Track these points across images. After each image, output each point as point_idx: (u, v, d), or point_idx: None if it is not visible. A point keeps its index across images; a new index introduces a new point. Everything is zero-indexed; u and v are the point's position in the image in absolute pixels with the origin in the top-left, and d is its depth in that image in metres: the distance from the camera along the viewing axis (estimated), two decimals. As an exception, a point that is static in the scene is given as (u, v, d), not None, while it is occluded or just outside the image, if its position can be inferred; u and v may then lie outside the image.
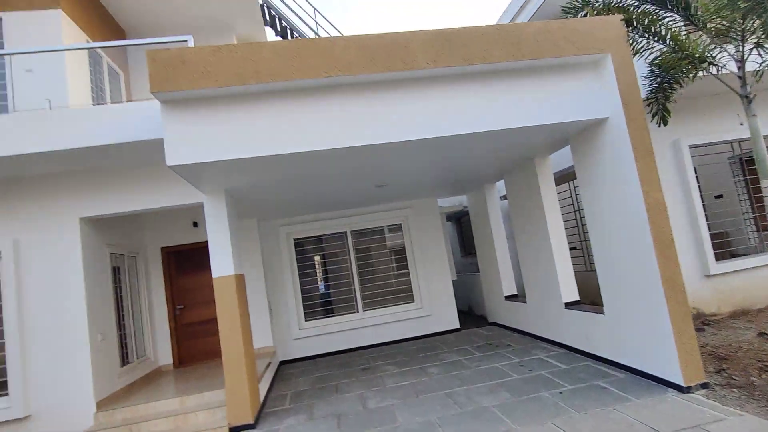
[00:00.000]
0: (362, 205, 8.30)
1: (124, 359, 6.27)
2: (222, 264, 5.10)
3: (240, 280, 5.33)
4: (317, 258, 8.64)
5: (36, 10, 6.20)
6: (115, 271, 6.42)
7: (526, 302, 7.20)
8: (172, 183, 5.53)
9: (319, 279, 8.57)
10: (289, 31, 10.05)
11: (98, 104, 6.73)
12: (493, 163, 6.45)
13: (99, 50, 7.04)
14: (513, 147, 5.51)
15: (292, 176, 5.16)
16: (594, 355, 5.51)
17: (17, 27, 6.11)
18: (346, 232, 8.56)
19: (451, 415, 4.46)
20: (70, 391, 5.18)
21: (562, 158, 7.10)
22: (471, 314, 10.28)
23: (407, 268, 8.69)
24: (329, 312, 8.41)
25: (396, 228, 8.82)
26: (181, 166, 4.08)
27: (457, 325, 8.57)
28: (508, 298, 8.02)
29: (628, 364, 4.87)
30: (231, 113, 4.13)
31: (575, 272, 6.37)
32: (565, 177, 8.10)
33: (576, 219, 8.81)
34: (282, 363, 7.93)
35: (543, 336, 6.76)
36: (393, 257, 8.80)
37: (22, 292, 5.24)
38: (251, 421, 4.93)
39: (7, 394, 5.12)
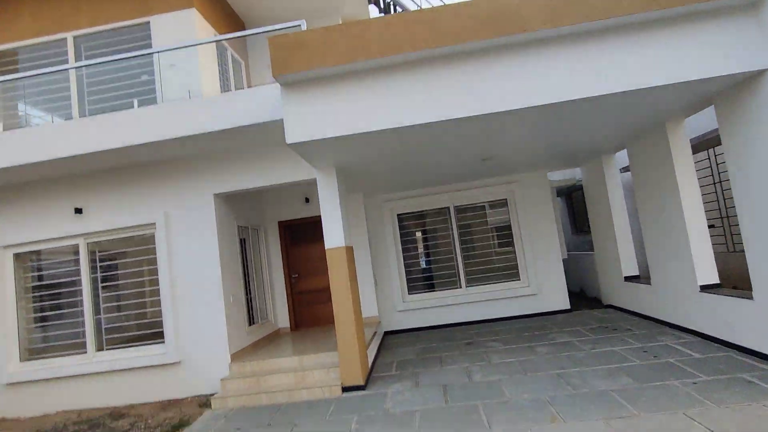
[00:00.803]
0: (466, 179, 8.14)
1: (251, 320, 7.04)
2: (334, 236, 5.40)
3: (350, 251, 5.60)
4: (420, 233, 8.73)
5: (174, 11, 7.00)
6: (242, 243, 7.16)
7: (650, 284, 6.52)
8: (289, 162, 5.96)
9: (421, 254, 8.67)
10: (392, 7, 10.06)
11: (225, 91, 7.45)
12: (615, 131, 5.85)
13: (224, 42, 7.76)
14: (642, 111, 4.93)
15: (399, 150, 5.23)
16: (736, 345, 4.83)
17: (161, 28, 6.97)
18: (449, 208, 8.50)
19: (563, 395, 4.27)
20: (210, 344, 5.97)
21: (698, 122, 6.21)
22: (582, 295, 9.62)
23: (512, 245, 8.38)
24: (432, 287, 8.50)
25: (501, 203, 8.52)
26: (298, 143, 4.37)
27: (567, 306, 8.11)
28: (628, 279, 7.33)
29: (784, 358, 4.19)
30: (343, 91, 4.29)
31: (714, 253, 5.58)
32: (703, 144, 7.06)
33: (716, 192, 7.66)
34: (386, 333, 8.25)
35: (670, 322, 6.09)
36: (497, 233, 8.55)
37: (172, 256, 6.12)
38: (362, 383, 5.24)
39: (163, 342, 6.08)
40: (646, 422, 3.51)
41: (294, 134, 4.29)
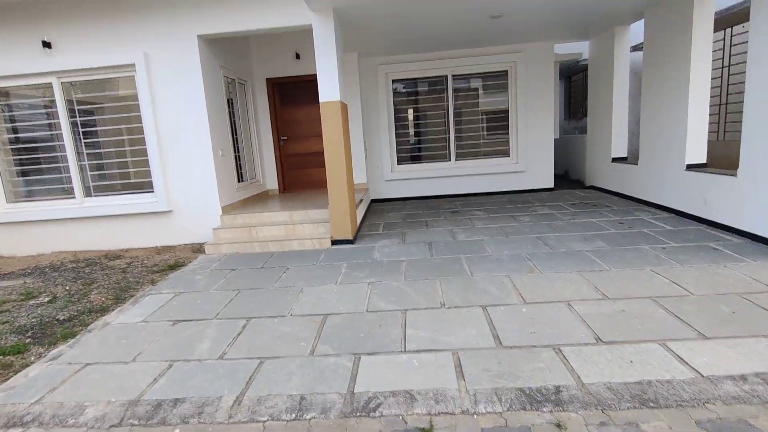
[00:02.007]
0: (468, 45, 7.61)
1: (240, 178, 7.01)
2: (329, 88, 5.13)
3: (344, 108, 5.38)
4: (414, 101, 8.41)
5: None
6: (229, 100, 6.79)
7: (637, 164, 6.62)
8: (283, 4, 5.38)
9: (413, 123, 8.47)
10: None
11: None
12: None
13: None
14: None
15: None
16: (709, 220, 5.10)
17: None
18: (446, 76, 8.09)
19: (541, 253, 4.54)
20: (200, 194, 6.00)
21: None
22: (566, 177, 9.83)
23: (507, 120, 8.23)
24: (421, 158, 8.48)
25: (501, 75, 8.13)
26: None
27: (551, 185, 8.30)
28: (616, 160, 7.42)
29: (752, 231, 4.45)
30: None
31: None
32: (722, 21, 6.62)
33: (721, 78, 7.44)
34: (373, 201, 8.43)
35: (650, 201, 6.32)
36: (493, 107, 8.31)
37: (156, 104, 5.80)
38: (350, 238, 5.46)
39: (152, 191, 6.07)
40: (615, 275, 3.79)
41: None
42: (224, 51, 6.49)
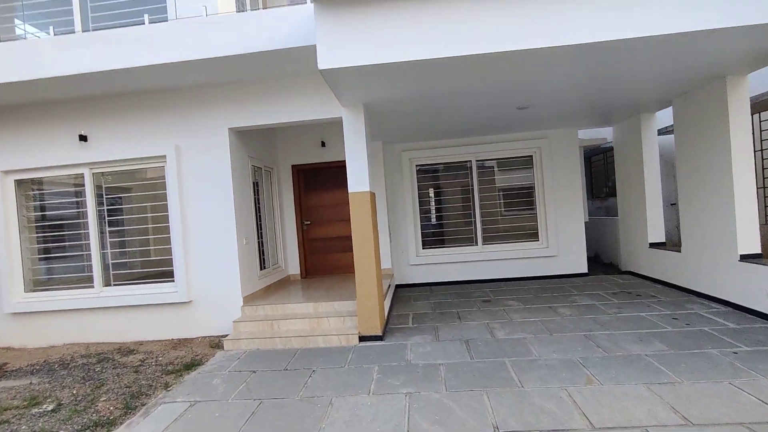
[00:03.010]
0: (492, 132, 7.69)
1: (262, 265, 6.81)
2: (358, 179, 5.06)
3: (373, 197, 5.27)
4: (438, 186, 8.37)
5: None
6: (255, 186, 6.81)
7: (680, 251, 6.26)
8: (312, 98, 5.52)
9: (438, 207, 8.36)
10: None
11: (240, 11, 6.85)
12: (666, 83, 5.38)
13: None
14: (705, 58, 4.46)
15: (434, 89, 4.78)
16: (775, 318, 4.63)
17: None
18: (470, 162, 8.11)
19: (595, 357, 4.08)
20: (222, 285, 5.76)
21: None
22: (597, 261, 9.42)
23: (534, 204, 8.06)
24: (447, 242, 8.25)
25: (526, 160, 8.11)
26: (330, 70, 3.92)
27: (585, 270, 7.91)
28: (654, 245, 7.07)
29: (832, 333, 3.97)
30: (383, 14, 3.81)
31: (756, 221, 5.27)
32: (751, 107, 6.59)
33: (755, 162, 7.27)
34: (397, 286, 8.08)
35: (699, 291, 5.87)
36: (519, 191, 8.20)
37: (183, 193, 5.79)
38: (380, 333, 5.07)
39: (173, 281, 5.86)
40: (689, 390, 3.31)
41: (327, 59, 3.85)
42: (252, 140, 6.61)
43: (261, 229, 6.92)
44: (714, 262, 5.53)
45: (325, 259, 7.94)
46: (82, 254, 6.09)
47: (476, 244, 8.10)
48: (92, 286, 5.96)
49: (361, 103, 5.04)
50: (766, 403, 3.03)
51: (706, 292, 5.73)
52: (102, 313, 5.91)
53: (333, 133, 7.72)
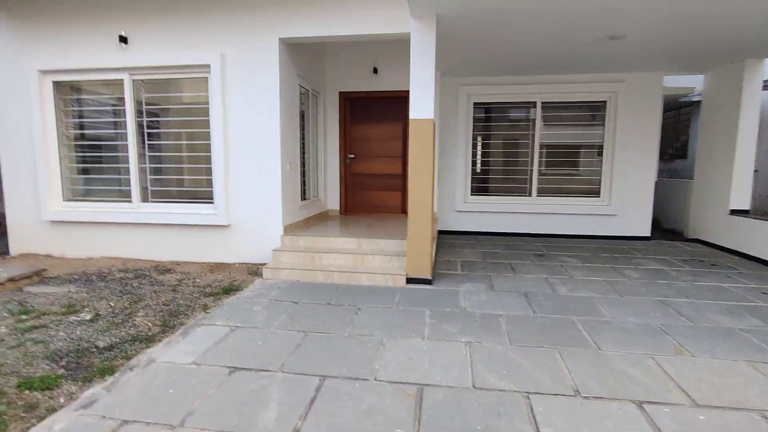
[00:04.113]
0: (561, 70, 6.83)
1: (303, 195, 6.44)
2: (422, 104, 4.47)
3: (433, 127, 4.70)
4: (496, 128, 7.65)
5: None
6: (301, 116, 6.29)
7: (770, 221, 5.53)
8: (374, 7, 4.84)
9: (493, 152, 7.70)
10: None
11: None
12: None
13: None
14: None
15: (518, 6, 4.04)
16: None
17: None
18: (535, 103, 7.31)
19: (680, 326, 3.58)
20: (263, 211, 5.44)
21: None
22: (657, 227, 8.67)
23: (599, 157, 7.31)
24: (498, 190, 7.66)
25: (597, 106, 7.26)
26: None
27: (647, 233, 7.24)
28: (736, 212, 6.31)
29: None
30: None
31: None
32: None
33: None
34: (440, 233, 7.65)
35: (789, 266, 5.20)
36: (585, 141, 7.43)
37: (227, 108, 5.35)
38: (428, 276, 4.69)
39: (212, 203, 5.57)
40: (807, 374, 2.81)
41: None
42: (301, 58, 6.03)
43: (303, 158, 6.48)
44: (818, 235, 4.82)
45: (366, 196, 7.52)
46: (119, 167, 5.84)
47: (530, 194, 7.48)
48: (130, 201, 5.74)
49: (435, 13, 4.34)
50: None
51: (799, 268, 5.06)
52: (139, 229, 5.73)
53: (387, 59, 7.03)
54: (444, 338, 3.34)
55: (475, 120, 7.55)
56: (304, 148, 6.44)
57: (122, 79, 5.54)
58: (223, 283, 4.75)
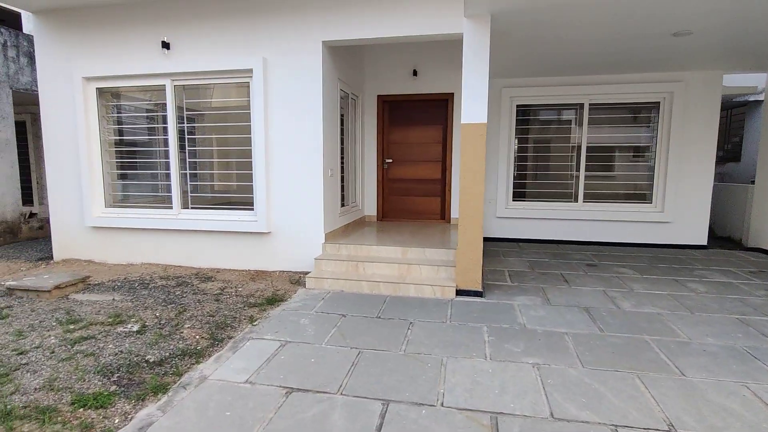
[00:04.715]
0: (609, 70, 6.48)
1: (342, 201, 6.30)
2: (475, 108, 4.26)
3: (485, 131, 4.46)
4: (539, 131, 7.35)
5: None
6: (340, 120, 6.15)
7: None
8: (423, 6, 4.65)
9: (536, 156, 7.39)
10: None
11: None
12: None
13: None
14: None
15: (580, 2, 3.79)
16: None
17: None
18: (583, 104, 6.98)
19: (767, 348, 3.25)
20: (304, 218, 5.31)
21: None
22: (711, 234, 8.18)
23: (651, 161, 6.91)
24: (541, 195, 7.35)
25: (650, 107, 6.88)
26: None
27: (704, 242, 6.80)
28: (806, 221, 5.85)
29: None
30: None
31: None
32: None
33: None
34: (480, 239, 7.37)
35: None
36: (635, 144, 7.05)
37: (269, 112, 5.25)
38: (479, 289, 4.46)
39: (252, 209, 5.48)
40: None
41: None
42: (341, 61, 5.89)
43: (342, 163, 6.34)
44: None
45: (404, 202, 7.33)
46: (159, 173, 5.82)
47: (576, 200, 7.15)
48: (171, 207, 5.70)
49: (489, 12, 4.12)
50: None
51: None
52: (179, 236, 5.68)
53: (427, 61, 6.83)
54: (508, 359, 3.10)
55: (518, 123, 7.26)
56: (342, 153, 6.29)
57: (164, 85, 5.51)
58: (266, 293, 4.62)
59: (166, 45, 5.36)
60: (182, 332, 3.61)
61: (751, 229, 6.92)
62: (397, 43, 6.58)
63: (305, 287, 4.80)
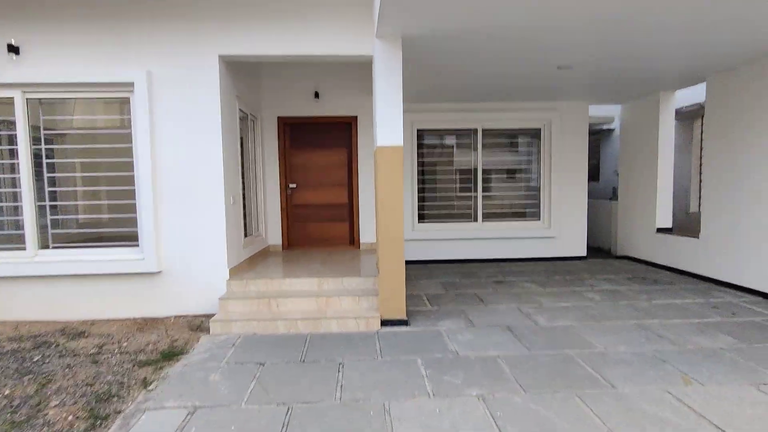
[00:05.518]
0: (500, 98, 7.00)
1: (245, 231, 5.70)
2: (390, 130, 4.15)
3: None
4: (439, 154, 7.59)
5: None
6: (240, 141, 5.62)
7: (698, 238, 6.03)
8: (331, 24, 4.46)
9: (437, 179, 7.59)
10: None
11: None
12: (703, 56, 4.96)
13: None
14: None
15: (490, 23, 3.94)
16: (819, 309, 4.42)
17: None
18: (476, 130, 7.39)
19: (670, 351, 3.58)
20: (203, 251, 4.64)
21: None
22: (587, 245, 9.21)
23: (538, 181, 7.57)
24: (445, 216, 7.54)
25: (533, 133, 7.55)
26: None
27: (584, 253, 7.59)
28: (662, 231, 6.85)
29: None
30: None
31: None
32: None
33: None
34: (389, 263, 7.28)
35: (719, 279, 5.66)
36: (523, 167, 7.66)
37: (155, 133, 4.53)
38: (404, 317, 4.28)
39: (137, 245, 4.63)
40: (804, 392, 2.88)
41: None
42: (240, 79, 5.41)
43: (244, 189, 5.77)
44: (746, 250, 5.30)
45: (311, 229, 6.94)
46: (11, 206, 4.66)
47: (476, 220, 7.48)
48: (24, 248, 4.57)
49: (400, 34, 4.08)
50: None
51: (730, 281, 5.52)
52: (37, 283, 4.56)
53: (329, 83, 6.64)
54: (452, 393, 2.93)
55: (419, 146, 7.42)
56: (243, 178, 5.73)
57: (12, 98, 4.45)
58: (161, 346, 3.87)
59: (13, 49, 4.35)
60: (47, 414, 2.78)
61: (618, 240, 7.93)
62: (299, 63, 6.30)
63: (210, 333, 4.14)
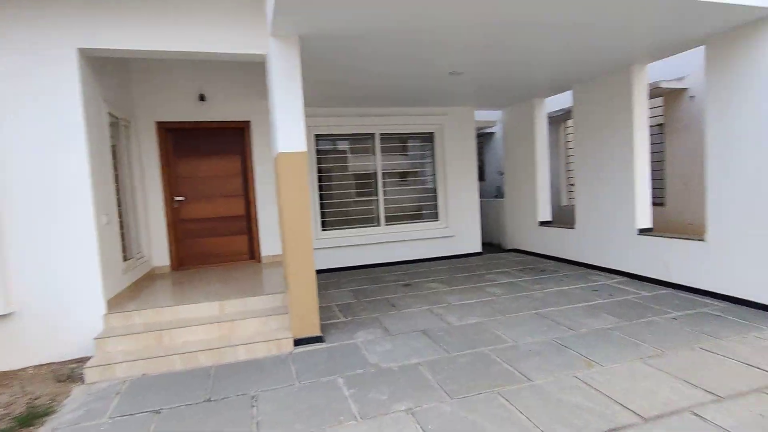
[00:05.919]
0: (395, 103, 7.12)
1: (124, 254, 4.92)
2: (292, 135, 3.90)
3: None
4: (340, 160, 7.44)
5: None
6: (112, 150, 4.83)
7: (574, 228, 6.75)
8: (213, 19, 4.02)
9: (339, 185, 7.43)
10: None
11: None
12: (569, 69, 5.60)
13: None
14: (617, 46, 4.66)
15: (388, 33, 3.91)
16: (671, 283, 5.21)
17: None
18: (374, 135, 7.40)
19: (568, 336, 3.89)
20: (70, 285, 3.85)
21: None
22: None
23: (434, 182, 7.84)
24: (349, 222, 7.42)
25: (427, 137, 7.80)
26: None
27: (479, 249, 8.05)
28: (543, 224, 7.55)
29: (727, 293, 4.57)
30: None
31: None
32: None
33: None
34: (292, 274, 6.93)
35: (594, 264, 6.39)
36: (420, 168, 7.87)
37: (2, 142, 3.65)
38: (319, 333, 4.04)
39: (-27, 283, 3.68)
40: (679, 360, 3.30)
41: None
42: (106, 78, 4.66)
43: (120, 207, 4.97)
44: (611, 237, 6.05)
45: (204, 245, 6.27)
46: None
47: (379, 224, 7.48)
48: None
49: (297, 34, 3.83)
50: (752, 366, 3.16)
51: (601, 265, 6.26)
52: None
53: (217, 85, 6.07)
54: (380, 412, 2.79)
55: (318, 152, 7.19)
56: (119, 193, 4.94)
57: None
58: (17, 408, 3.10)
59: None
60: None
61: (507, 234, 8.57)
62: (180, 61, 5.66)
63: (85, 383, 3.44)
